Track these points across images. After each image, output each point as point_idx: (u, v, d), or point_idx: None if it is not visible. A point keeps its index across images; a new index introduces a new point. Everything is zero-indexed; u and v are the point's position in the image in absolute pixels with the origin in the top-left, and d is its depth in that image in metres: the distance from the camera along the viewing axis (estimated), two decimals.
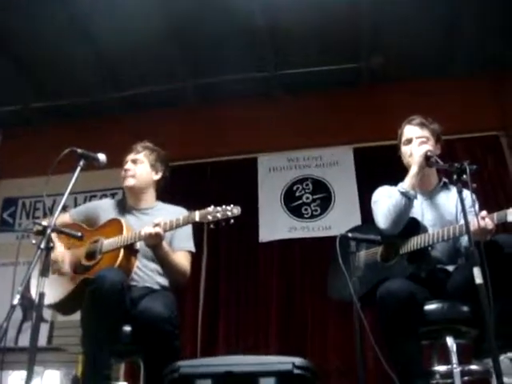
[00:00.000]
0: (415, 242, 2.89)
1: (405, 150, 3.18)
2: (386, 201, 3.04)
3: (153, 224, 2.93)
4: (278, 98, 6.11)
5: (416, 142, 3.11)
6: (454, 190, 3.14)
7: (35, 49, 5.40)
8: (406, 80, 5.79)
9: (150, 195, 3.45)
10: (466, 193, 2.84)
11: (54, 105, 6.14)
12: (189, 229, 3.30)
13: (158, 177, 3.43)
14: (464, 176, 2.54)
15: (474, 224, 2.57)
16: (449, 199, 3.14)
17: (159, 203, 3.48)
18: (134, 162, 3.39)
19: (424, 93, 5.65)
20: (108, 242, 3.07)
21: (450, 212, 3.08)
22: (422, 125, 3.19)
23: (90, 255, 3.13)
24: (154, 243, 2.99)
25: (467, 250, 2.50)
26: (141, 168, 3.38)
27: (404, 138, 3.21)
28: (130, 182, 3.35)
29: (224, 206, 2.83)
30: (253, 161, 6.02)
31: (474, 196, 2.78)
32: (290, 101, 6.02)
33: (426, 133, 3.16)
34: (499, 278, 2.40)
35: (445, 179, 3.23)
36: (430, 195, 3.17)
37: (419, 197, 3.07)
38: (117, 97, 6.09)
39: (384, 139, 5.53)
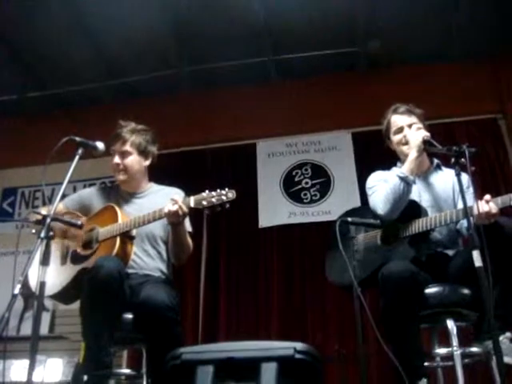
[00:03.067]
0: (417, 226, 2.90)
1: (397, 138, 3.20)
2: (383, 186, 3.04)
3: (172, 201, 2.87)
4: (276, 84, 6.10)
5: (413, 127, 3.13)
6: (446, 170, 3.21)
7: (32, 38, 5.37)
8: (404, 64, 5.77)
9: (143, 179, 3.41)
10: (463, 174, 2.86)
11: (52, 94, 6.12)
12: None
13: (148, 162, 3.37)
14: (462, 159, 2.54)
15: (478, 208, 2.58)
16: (443, 180, 3.17)
17: (153, 185, 3.45)
18: (122, 154, 3.27)
19: (421, 77, 5.66)
20: (104, 231, 3.05)
21: (446, 193, 3.11)
22: (409, 112, 3.23)
23: (87, 244, 3.12)
24: (178, 221, 2.93)
25: (468, 234, 2.50)
26: (130, 160, 3.27)
27: (394, 128, 3.24)
28: (121, 177, 3.29)
29: (219, 190, 2.78)
30: (252, 146, 6.02)
31: (468, 178, 2.80)
32: (288, 86, 6.01)
33: (414, 119, 3.19)
34: (499, 261, 2.41)
35: (437, 161, 3.26)
36: (425, 177, 3.19)
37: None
38: (114, 84, 6.06)
39: (382, 124, 5.53)
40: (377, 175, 3.25)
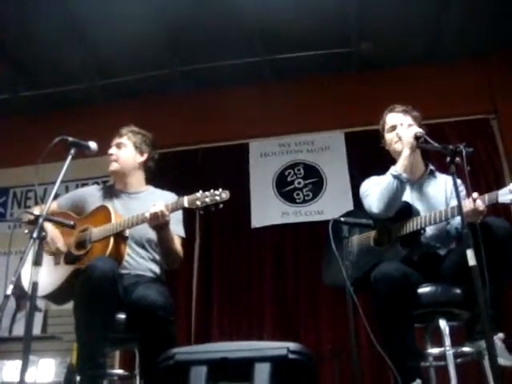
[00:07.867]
0: (408, 226, 2.89)
1: (389, 136, 3.18)
2: (377, 187, 3.04)
3: (153, 206, 2.87)
4: (269, 84, 6.10)
5: (404, 125, 3.10)
6: (440, 177, 3.19)
7: (24, 37, 5.35)
8: (396, 65, 5.79)
9: (138, 178, 3.41)
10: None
11: (44, 93, 6.11)
12: (179, 214, 3.25)
13: (143, 158, 3.39)
14: (457, 158, 2.52)
15: (465, 206, 2.58)
16: (437, 187, 3.14)
17: (150, 187, 3.45)
18: (118, 145, 3.37)
19: (414, 77, 5.68)
20: (97, 231, 3.04)
21: (439, 201, 3.08)
22: (404, 111, 3.20)
23: (80, 245, 3.10)
24: (159, 224, 2.91)
25: (460, 233, 2.50)
26: (124, 151, 3.35)
27: (387, 126, 3.22)
28: (113, 166, 3.34)
29: (212, 191, 2.78)
30: (244, 146, 6.02)
31: (461, 181, 2.80)
32: (281, 86, 6.01)
33: (408, 119, 3.16)
34: (490, 260, 2.41)
35: (431, 167, 3.22)
36: (418, 184, 3.16)
37: (407, 186, 3.03)
38: (106, 84, 6.05)
39: (375, 124, 5.54)
40: (370, 180, 3.23)
